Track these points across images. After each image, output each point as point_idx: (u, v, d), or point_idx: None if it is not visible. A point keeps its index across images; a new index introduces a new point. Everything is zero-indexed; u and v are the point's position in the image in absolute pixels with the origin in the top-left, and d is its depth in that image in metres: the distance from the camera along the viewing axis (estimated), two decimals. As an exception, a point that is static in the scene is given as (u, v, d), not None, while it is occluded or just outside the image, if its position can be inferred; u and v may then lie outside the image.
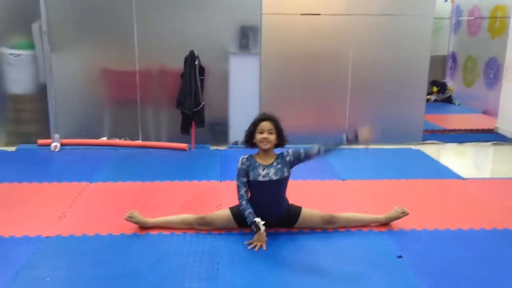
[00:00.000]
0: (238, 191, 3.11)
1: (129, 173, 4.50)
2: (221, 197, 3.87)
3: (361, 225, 3.33)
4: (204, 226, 3.20)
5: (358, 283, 2.64)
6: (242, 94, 5.54)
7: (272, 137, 3.09)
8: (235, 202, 3.27)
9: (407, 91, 5.72)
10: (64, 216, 3.46)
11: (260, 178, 3.09)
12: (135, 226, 3.25)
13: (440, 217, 3.54)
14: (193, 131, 5.37)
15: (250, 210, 3.03)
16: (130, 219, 3.18)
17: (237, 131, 5.57)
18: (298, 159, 3.14)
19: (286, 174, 3.13)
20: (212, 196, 3.90)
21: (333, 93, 5.64)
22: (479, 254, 2.99)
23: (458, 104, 8.61)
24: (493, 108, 7.15)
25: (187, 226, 3.22)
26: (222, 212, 3.26)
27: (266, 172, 3.08)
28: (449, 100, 8.79)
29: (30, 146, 5.35)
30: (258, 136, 3.09)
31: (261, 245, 2.97)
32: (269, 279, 2.67)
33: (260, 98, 5.57)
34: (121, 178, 4.33)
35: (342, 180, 4.36)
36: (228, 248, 3.00)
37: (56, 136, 5.29)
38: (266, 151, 3.12)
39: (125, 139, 5.49)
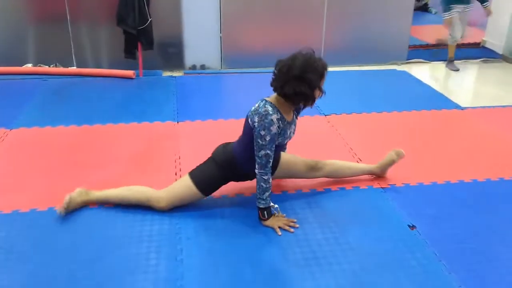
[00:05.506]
0: (267, 163, 2.18)
1: (61, 113, 3.60)
2: (179, 146, 3.08)
3: (352, 175, 2.69)
4: (163, 206, 2.36)
5: (362, 276, 2.01)
6: (197, 7, 4.55)
7: None
8: (196, 152, 2.53)
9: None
10: (-30, 183, 2.60)
11: (286, 141, 2.32)
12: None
13: (448, 164, 2.93)
14: (140, 54, 4.40)
15: (270, 192, 2.25)
16: (67, 208, 2.32)
17: (194, 52, 4.69)
18: None
19: None
20: (168, 145, 3.11)
21: (307, 5, 4.72)
22: (506, 218, 2.41)
23: (435, 13, 7.85)
24: (477, 19, 6.44)
25: (142, 204, 2.39)
26: (183, 185, 2.35)
27: (290, 131, 2.30)
28: (424, 8, 8.02)
29: None
30: (319, 95, 2.18)
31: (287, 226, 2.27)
32: (252, 274, 2.00)
33: (220, 11, 4.59)
34: (50, 120, 3.43)
35: (325, 115, 3.64)
36: (194, 227, 2.27)
37: (-34, 63, 4.22)
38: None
39: (55, 66, 4.46)
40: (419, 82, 4.50)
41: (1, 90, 4.03)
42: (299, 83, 2.09)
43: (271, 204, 2.27)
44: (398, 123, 3.55)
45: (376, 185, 2.66)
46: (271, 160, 2.19)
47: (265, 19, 4.69)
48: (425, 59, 5.22)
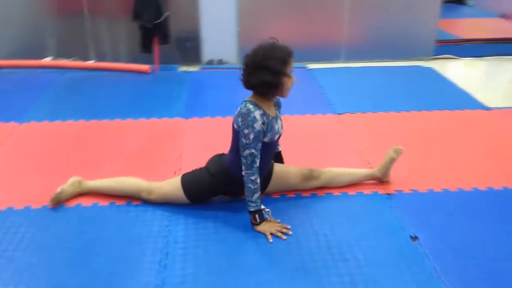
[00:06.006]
0: (253, 162, 2.10)
1: (72, 107, 3.61)
2: (182, 144, 3.02)
3: (352, 182, 2.53)
4: (152, 199, 2.37)
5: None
6: (215, 0, 4.46)
7: None
8: (198, 151, 2.47)
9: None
10: (-28, 177, 2.63)
11: (276, 137, 2.24)
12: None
13: (464, 170, 2.74)
14: (156, 48, 4.36)
15: (260, 193, 2.16)
16: (56, 200, 2.34)
17: (211, 46, 4.61)
18: None
19: None
20: (171, 142, 3.05)
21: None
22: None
23: (472, 6, 7.49)
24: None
25: (133, 195, 2.40)
26: (173, 186, 2.33)
27: (278, 127, 2.22)
28: (460, 1, 7.66)
29: (-43, 69, 4.38)
30: (289, 81, 2.11)
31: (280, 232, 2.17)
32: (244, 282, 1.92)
33: (237, 5, 4.49)
34: (60, 115, 3.44)
35: (338, 114, 3.49)
36: (184, 230, 2.21)
37: (-12, 57, 4.30)
38: (274, 99, 2.23)
39: (75, 60, 4.49)
40: (443, 79, 4.26)
41: (19, 83, 4.09)
42: (262, 72, 2.03)
43: (262, 207, 2.18)
44: (415, 123, 3.37)
45: (381, 190, 2.52)
46: (257, 160, 2.10)
47: (284, 12, 4.56)
48: (455, 55, 4.95)
